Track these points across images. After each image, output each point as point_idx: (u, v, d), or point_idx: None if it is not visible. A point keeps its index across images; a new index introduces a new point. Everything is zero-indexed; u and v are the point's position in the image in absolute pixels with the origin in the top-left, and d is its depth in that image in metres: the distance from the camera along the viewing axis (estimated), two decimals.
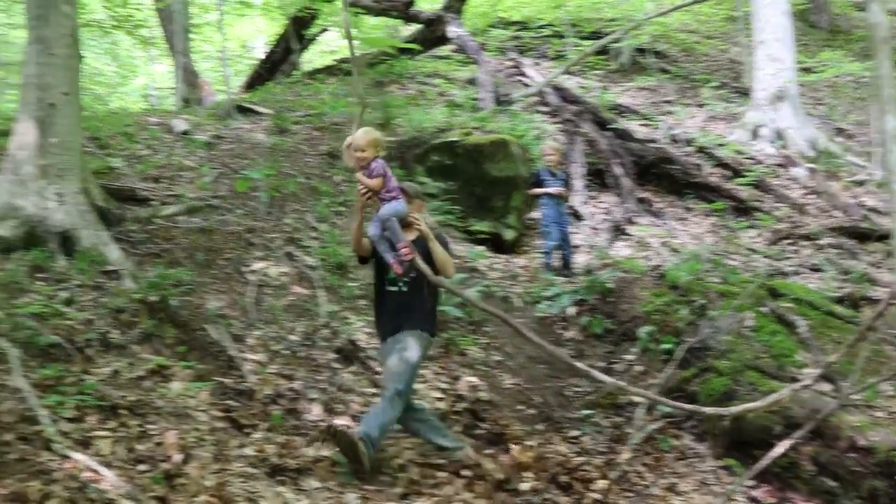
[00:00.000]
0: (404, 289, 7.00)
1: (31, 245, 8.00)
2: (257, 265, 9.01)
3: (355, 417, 7.45)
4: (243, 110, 14.56)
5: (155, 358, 6.96)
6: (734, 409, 7.21)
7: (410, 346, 6.86)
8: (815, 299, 10.93)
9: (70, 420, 5.82)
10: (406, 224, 6.96)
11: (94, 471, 5.30)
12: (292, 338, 8.17)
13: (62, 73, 8.60)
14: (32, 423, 5.60)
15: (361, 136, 6.85)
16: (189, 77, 19.30)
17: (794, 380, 8.30)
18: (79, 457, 5.39)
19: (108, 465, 5.45)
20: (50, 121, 8.41)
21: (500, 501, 6.92)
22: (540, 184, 12.20)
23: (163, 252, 8.63)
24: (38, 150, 8.33)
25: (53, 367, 6.29)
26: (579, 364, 7.03)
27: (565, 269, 12.06)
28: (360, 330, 8.73)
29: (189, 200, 9.84)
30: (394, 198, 6.85)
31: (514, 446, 7.73)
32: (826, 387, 8.63)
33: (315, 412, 7.35)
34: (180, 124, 12.54)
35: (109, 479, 5.26)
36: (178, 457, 5.84)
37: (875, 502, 7.13)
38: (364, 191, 6.81)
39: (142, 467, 5.63)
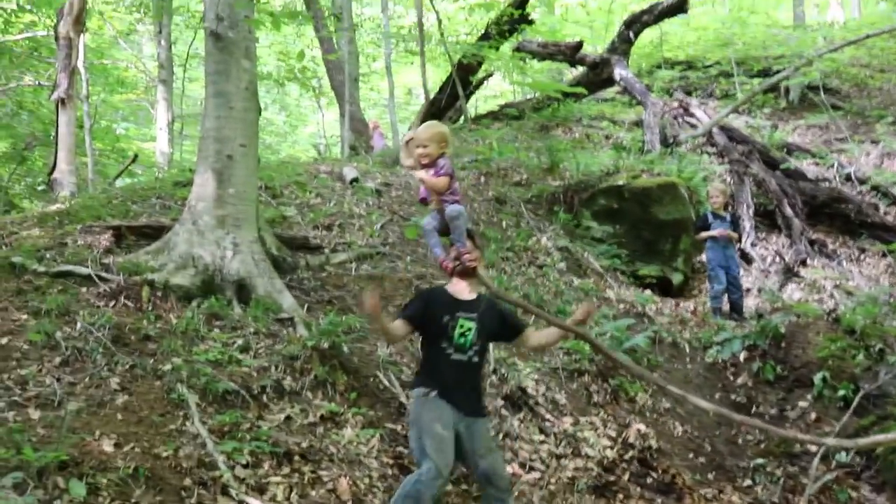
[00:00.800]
0: (475, 359, 6.10)
1: (208, 293, 8.26)
2: None
3: (523, 465, 7.45)
4: None
5: (327, 404, 7.09)
6: None
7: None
8: None
9: (245, 466, 5.96)
10: (464, 272, 6.23)
11: None
12: None
13: (240, 126, 8.89)
14: (210, 468, 5.76)
15: (424, 130, 6.27)
16: (356, 125, 19.75)
17: None
18: (255, 502, 5.52)
19: None
20: (228, 172, 8.70)
21: None
22: (706, 227, 12.07)
23: (334, 299, 8.81)
24: (216, 200, 8.62)
25: (230, 413, 6.46)
26: (735, 415, 6.86)
27: (734, 312, 11.87)
28: (529, 377, 8.72)
29: (359, 248, 10.04)
30: (456, 201, 6.22)
31: (686, 496, 7.63)
32: None
33: None
34: (350, 172, 12.81)
35: None
36: (350, 503, 5.93)
37: None
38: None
39: None
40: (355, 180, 12.54)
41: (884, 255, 14.77)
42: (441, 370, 6.05)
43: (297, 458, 6.25)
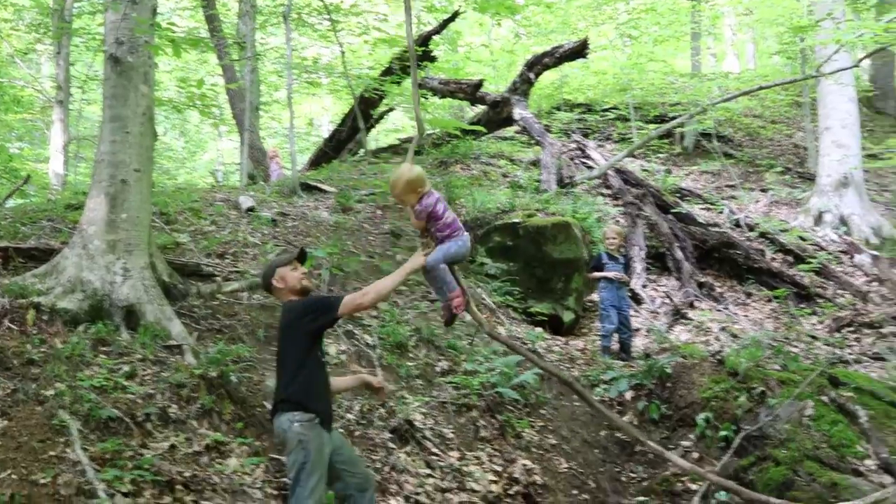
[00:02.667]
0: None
1: (96, 318, 8.16)
2: None
3: (408, 498, 7.47)
4: (308, 188, 14.79)
5: (212, 433, 7.04)
6: None
7: None
8: (877, 389, 10.79)
9: (126, 494, 5.89)
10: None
11: None
12: (349, 416, 8.22)
13: (136, 151, 8.82)
14: (89, 496, 5.69)
15: (392, 186, 6.41)
16: (255, 153, 19.67)
17: (856, 471, 8.21)
18: None
19: None
20: (121, 197, 8.62)
21: None
22: (600, 267, 12.23)
23: (224, 328, 8.76)
24: (108, 225, 8.54)
25: (112, 440, 6.38)
26: (667, 452, 7.00)
27: (623, 352, 12.04)
28: (417, 410, 8.76)
29: (252, 277, 9.98)
30: (448, 236, 6.32)
31: None
32: (887, 479, 8.53)
33: None
34: (246, 201, 12.76)
35: None
36: None
37: None
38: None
39: None
40: (251, 209, 12.49)
41: (769, 300, 15.10)
42: (321, 382, 6.14)
43: (179, 487, 6.19)
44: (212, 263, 10.23)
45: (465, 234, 6.48)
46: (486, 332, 6.52)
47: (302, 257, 6.52)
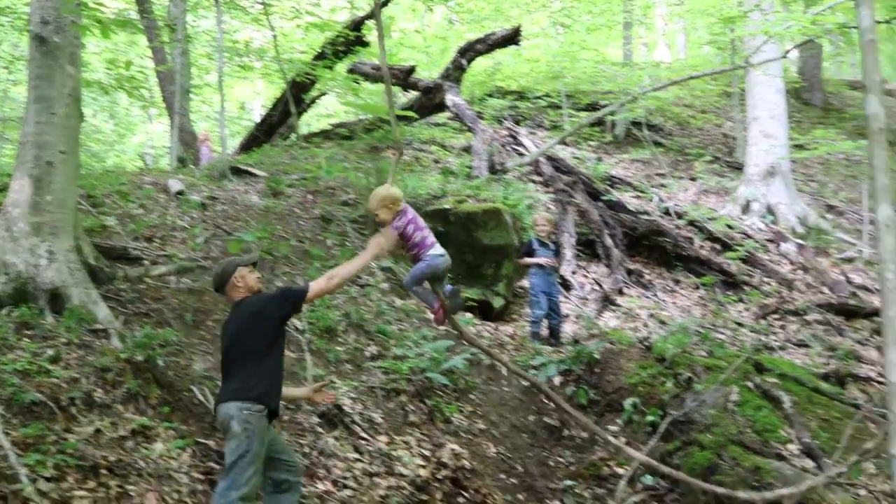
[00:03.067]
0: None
1: (20, 301, 8.05)
2: None
3: (336, 483, 7.47)
4: (239, 172, 14.66)
5: (138, 418, 6.97)
6: (768, 494, 7.20)
7: None
8: (800, 375, 10.96)
9: (49, 479, 5.82)
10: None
11: None
12: None
13: (61, 133, 8.70)
14: (11, 481, 5.62)
15: (371, 200, 6.80)
16: (186, 136, 19.49)
17: (779, 455, 8.33)
18: None
19: None
20: (46, 179, 8.50)
21: None
22: (530, 253, 12.26)
23: (151, 312, 8.67)
24: (32, 207, 8.41)
25: (35, 425, 6.30)
26: (611, 437, 7.05)
27: (553, 338, 12.10)
28: (346, 394, 8.74)
29: (180, 261, 9.90)
30: (417, 256, 6.83)
31: None
32: (809, 463, 8.66)
33: None
34: (175, 184, 12.63)
35: None
36: None
37: None
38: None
39: None
40: (180, 192, 12.37)
41: (697, 288, 15.27)
42: (279, 376, 6.24)
43: (104, 471, 6.13)
44: (139, 247, 10.12)
45: (437, 251, 6.81)
46: (467, 339, 6.76)
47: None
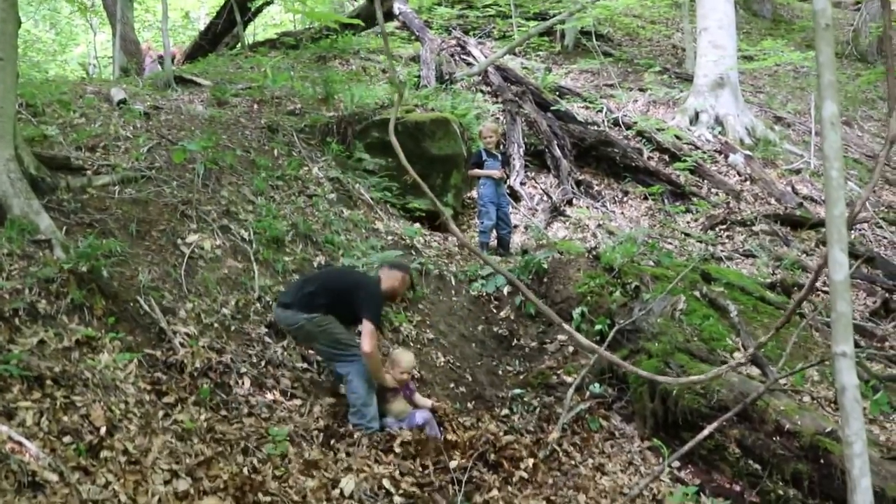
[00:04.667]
0: None
1: None
2: (191, 238, 8.91)
3: (285, 392, 7.46)
4: (183, 81, 14.41)
5: (83, 329, 6.87)
6: (683, 379, 7.27)
7: None
8: (747, 285, 11.07)
9: None
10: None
11: (17, 442, 5.24)
12: (224, 311, 8.12)
13: None
14: None
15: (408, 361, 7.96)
16: (129, 46, 19.11)
17: (724, 363, 8.42)
18: (1, 428, 5.32)
19: (32, 437, 5.39)
20: None
21: (429, 479, 6.96)
22: (480, 164, 12.20)
23: (95, 222, 8.51)
24: None
25: None
26: (572, 330, 7.06)
27: (501, 248, 12.11)
28: None
29: (124, 171, 9.71)
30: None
31: (445, 424, 7.80)
32: (754, 371, 8.78)
33: (245, 386, 7.33)
34: (118, 93, 12.37)
35: (32, 451, 5.21)
36: (103, 429, 5.80)
37: (797, 485, 7.24)
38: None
39: (66, 439, 5.57)
40: (123, 102, 12.12)
41: (645, 198, 15.32)
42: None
43: (49, 382, 6.04)
44: (82, 157, 9.91)
45: None
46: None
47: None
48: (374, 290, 7.65)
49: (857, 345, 10.53)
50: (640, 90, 20.68)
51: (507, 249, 12.11)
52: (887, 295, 12.66)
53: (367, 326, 7.33)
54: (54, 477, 5.15)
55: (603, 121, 17.81)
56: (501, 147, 13.75)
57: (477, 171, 12.24)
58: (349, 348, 7.46)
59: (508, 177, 13.83)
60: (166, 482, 5.68)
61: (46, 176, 8.79)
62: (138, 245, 8.46)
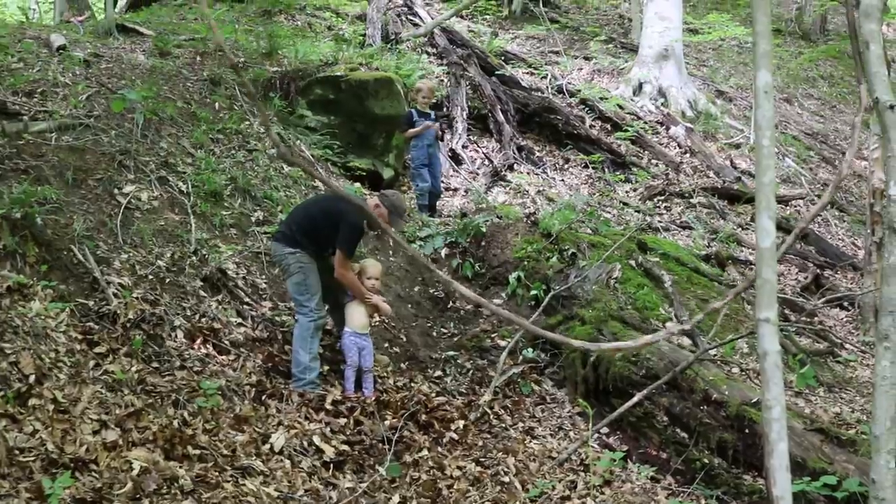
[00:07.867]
0: None
1: None
2: (129, 188, 8.83)
3: (217, 347, 7.45)
4: (125, 30, 14.19)
5: (15, 276, 6.80)
6: (605, 345, 7.32)
7: None
8: (682, 256, 11.20)
9: None
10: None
11: None
12: (160, 263, 8.06)
13: None
14: None
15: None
16: None
17: (657, 332, 8.52)
18: None
19: None
20: None
21: (359, 437, 7.01)
22: (411, 124, 12.12)
23: (30, 169, 8.39)
24: None
25: None
26: (493, 306, 7.08)
27: (430, 211, 12.04)
28: (230, 259, 8.67)
29: (61, 118, 9.58)
30: None
31: (377, 384, 7.84)
32: (685, 341, 8.89)
33: (178, 339, 7.30)
34: (58, 39, 12.16)
35: None
36: (32, 377, 5.75)
37: (722, 454, 7.37)
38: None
39: None
40: (63, 48, 11.92)
41: (586, 166, 15.37)
42: None
43: None
44: (18, 102, 9.76)
45: None
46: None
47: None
48: (353, 221, 7.89)
49: (786, 319, 10.71)
50: (586, 58, 20.70)
51: (434, 211, 12.09)
52: (818, 271, 12.87)
53: (338, 255, 7.89)
54: None
55: (547, 87, 17.80)
56: (443, 109, 13.71)
57: (412, 131, 12.13)
58: (308, 300, 7.75)
59: (442, 135, 13.83)
60: (95, 432, 5.66)
61: None
62: (74, 193, 8.36)
